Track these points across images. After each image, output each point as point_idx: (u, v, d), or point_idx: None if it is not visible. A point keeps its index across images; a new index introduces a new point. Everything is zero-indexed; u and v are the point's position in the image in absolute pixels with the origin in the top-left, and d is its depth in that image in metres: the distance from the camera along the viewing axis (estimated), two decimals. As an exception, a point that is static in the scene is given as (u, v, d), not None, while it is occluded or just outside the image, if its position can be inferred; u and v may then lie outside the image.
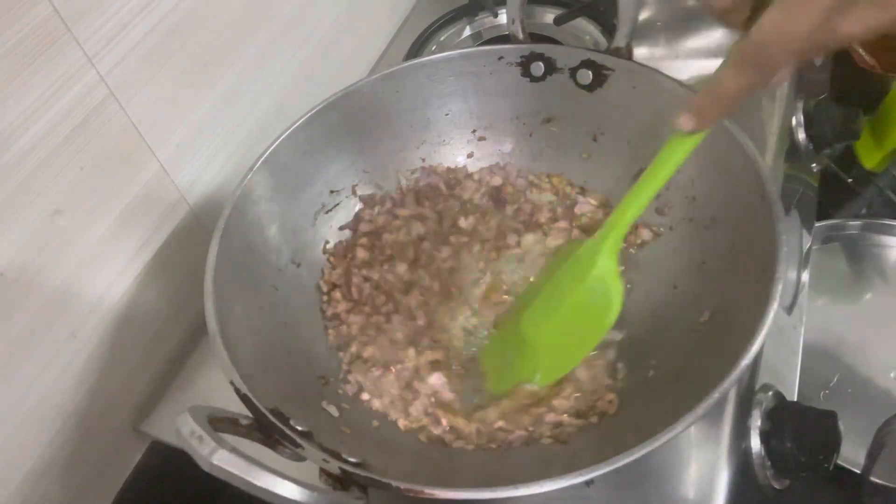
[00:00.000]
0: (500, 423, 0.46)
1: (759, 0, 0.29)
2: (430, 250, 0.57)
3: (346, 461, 0.37)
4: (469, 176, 0.62)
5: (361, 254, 0.57)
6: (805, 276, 0.69)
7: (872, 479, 0.64)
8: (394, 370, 0.50)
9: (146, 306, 0.55)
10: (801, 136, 0.67)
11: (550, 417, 0.45)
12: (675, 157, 0.38)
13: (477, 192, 0.60)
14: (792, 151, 0.64)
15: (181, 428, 0.34)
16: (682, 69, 0.66)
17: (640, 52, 0.72)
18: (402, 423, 0.48)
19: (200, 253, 0.46)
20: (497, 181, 0.61)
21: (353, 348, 0.52)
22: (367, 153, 0.60)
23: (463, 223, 0.58)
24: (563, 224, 0.57)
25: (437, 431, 0.47)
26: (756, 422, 0.48)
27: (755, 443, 0.47)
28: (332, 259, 0.57)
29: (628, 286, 0.52)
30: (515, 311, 0.51)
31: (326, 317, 0.54)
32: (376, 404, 0.49)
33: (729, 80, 0.32)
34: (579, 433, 0.45)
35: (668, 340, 0.48)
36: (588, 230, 0.56)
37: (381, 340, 0.52)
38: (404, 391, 0.49)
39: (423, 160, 0.62)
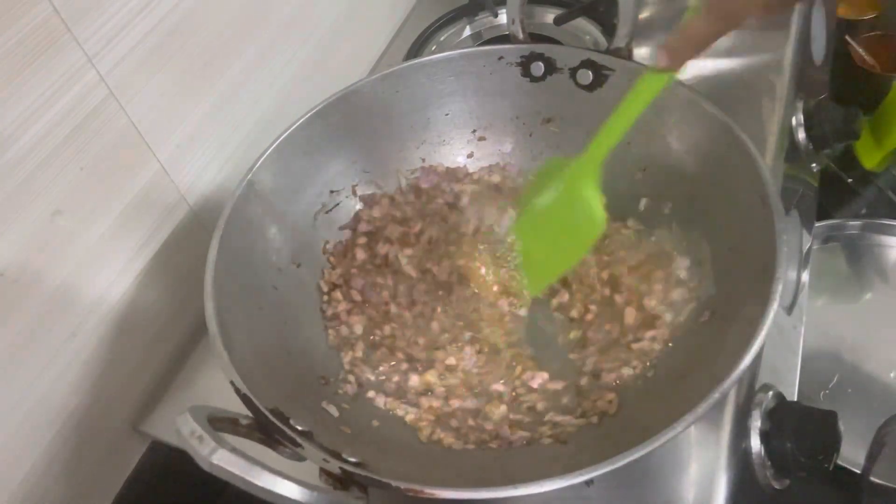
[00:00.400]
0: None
1: None
2: (430, 250, 0.57)
3: (346, 461, 0.37)
4: (469, 175, 0.62)
5: (360, 254, 0.57)
6: (805, 276, 0.69)
7: (872, 479, 0.64)
8: (403, 365, 0.50)
9: (146, 306, 0.55)
10: (801, 136, 0.67)
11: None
12: (647, 92, 0.41)
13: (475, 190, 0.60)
14: (792, 151, 0.64)
15: (181, 428, 0.34)
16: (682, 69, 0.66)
17: (640, 52, 0.72)
18: (409, 418, 0.48)
19: (200, 253, 0.46)
20: (496, 178, 0.61)
21: (357, 350, 0.52)
22: (367, 153, 0.60)
23: (463, 225, 0.58)
24: None
25: (443, 436, 0.47)
26: (756, 422, 0.48)
27: (755, 443, 0.47)
28: (332, 259, 0.57)
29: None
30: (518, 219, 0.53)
31: (326, 317, 0.54)
32: (381, 401, 0.49)
33: (699, 25, 0.36)
34: (579, 433, 0.45)
35: (667, 340, 0.48)
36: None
37: (386, 337, 0.52)
38: (411, 383, 0.50)
39: (423, 160, 0.62)
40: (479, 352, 0.51)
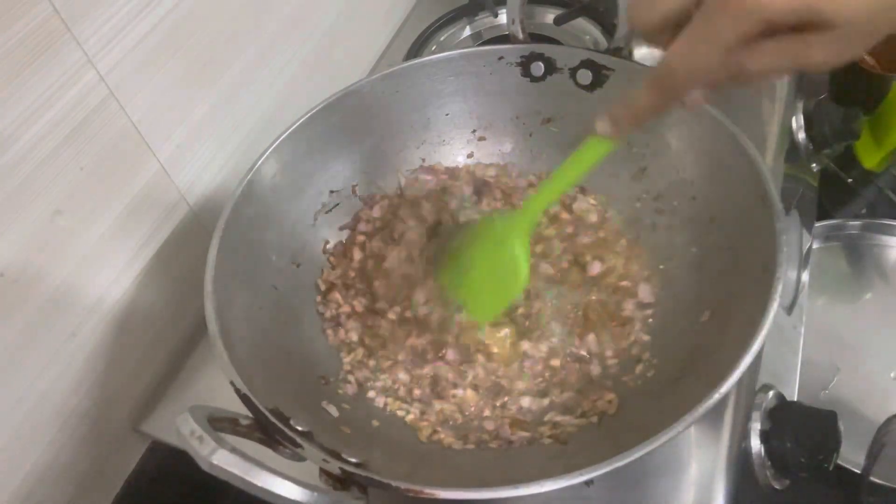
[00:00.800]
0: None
1: (682, 23, 0.31)
2: (429, 250, 0.57)
3: (346, 461, 0.37)
4: (468, 170, 0.62)
5: (359, 254, 0.57)
6: (805, 276, 0.69)
7: (872, 479, 0.64)
8: (400, 367, 0.50)
9: (146, 306, 0.55)
10: (801, 136, 0.67)
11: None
12: (589, 157, 0.42)
13: (467, 185, 0.61)
14: (792, 151, 0.64)
15: (181, 428, 0.34)
16: (682, 69, 0.66)
17: (640, 52, 0.72)
18: (410, 418, 0.48)
19: (200, 253, 0.46)
20: (490, 172, 0.61)
21: (358, 352, 0.52)
22: (367, 153, 0.60)
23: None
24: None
25: (443, 436, 0.47)
26: (756, 422, 0.48)
27: (755, 443, 0.47)
28: (331, 259, 0.57)
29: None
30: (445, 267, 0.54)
31: (325, 318, 0.54)
32: (381, 401, 0.49)
33: (642, 98, 0.35)
34: (579, 433, 0.45)
35: (668, 340, 0.48)
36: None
37: (385, 339, 0.52)
38: (413, 385, 0.50)
39: (423, 160, 0.62)
40: (478, 352, 0.51)
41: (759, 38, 0.29)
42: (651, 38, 0.35)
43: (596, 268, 0.53)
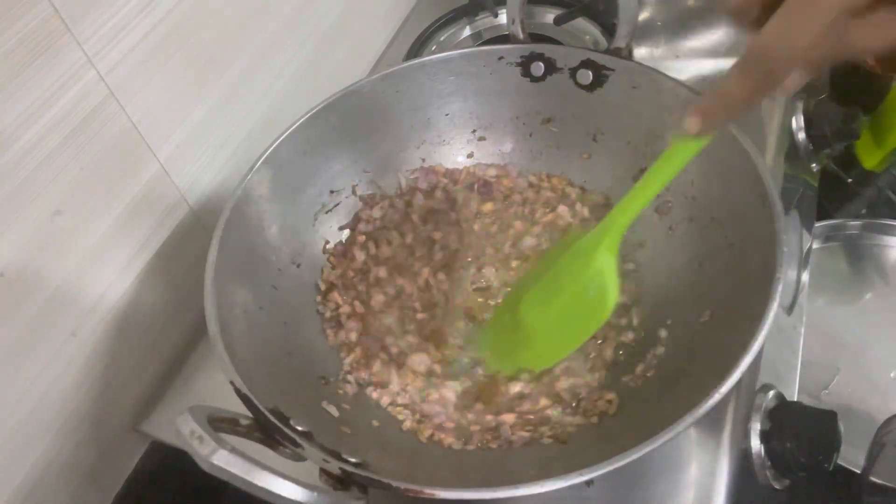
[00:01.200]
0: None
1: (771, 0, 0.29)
2: (429, 252, 0.57)
3: (346, 461, 0.37)
4: (468, 170, 0.62)
5: (359, 255, 0.57)
6: (805, 276, 0.69)
7: (872, 479, 0.64)
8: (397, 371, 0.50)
9: (146, 306, 0.55)
10: (801, 136, 0.67)
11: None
12: (677, 159, 0.39)
13: (470, 184, 0.61)
14: (792, 151, 0.64)
15: (181, 428, 0.34)
16: (682, 69, 0.66)
17: (640, 52, 0.72)
18: (407, 425, 0.48)
19: (200, 253, 0.46)
20: (490, 172, 0.61)
21: (358, 353, 0.52)
22: (367, 153, 0.60)
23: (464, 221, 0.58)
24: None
25: (443, 436, 0.47)
26: (756, 422, 0.48)
27: (755, 443, 0.47)
28: (331, 259, 0.57)
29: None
30: (514, 296, 0.51)
31: (325, 318, 0.54)
32: (385, 400, 0.49)
33: (735, 85, 0.32)
34: (579, 433, 0.45)
35: (667, 340, 0.48)
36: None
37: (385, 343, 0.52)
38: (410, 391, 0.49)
39: (423, 160, 0.62)
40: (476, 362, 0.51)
41: (868, 9, 0.27)
42: (738, 18, 0.32)
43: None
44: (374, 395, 0.50)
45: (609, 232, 0.43)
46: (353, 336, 0.52)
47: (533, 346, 0.48)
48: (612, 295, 0.42)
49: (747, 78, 0.31)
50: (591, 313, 0.44)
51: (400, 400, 0.49)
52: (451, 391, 0.49)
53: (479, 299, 0.55)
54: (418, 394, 0.49)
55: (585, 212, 0.58)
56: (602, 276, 0.42)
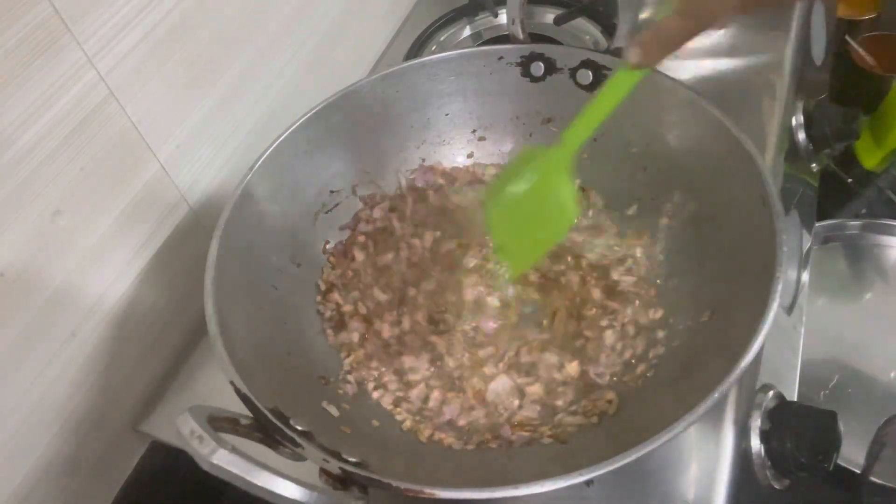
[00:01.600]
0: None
1: None
2: (429, 251, 0.57)
3: (346, 461, 0.37)
4: (468, 170, 0.62)
5: (359, 255, 0.57)
6: (805, 276, 0.69)
7: (872, 479, 0.64)
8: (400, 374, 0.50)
9: (146, 306, 0.55)
10: (801, 136, 0.67)
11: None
12: (620, 87, 0.41)
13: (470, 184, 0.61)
14: (792, 151, 0.64)
15: (181, 428, 0.34)
16: (682, 69, 0.66)
17: (640, 52, 0.72)
18: (407, 425, 0.48)
19: (200, 253, 0.46)
20: (490, 172, 0.61)
21: (359, 353, 0.52)
22: (367, 153, 0.60)
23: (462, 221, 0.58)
24: None
25: (443, 436, 0.47)
26: (756, 422, 0.48)
27: (755, 443, 0.47)
28: (332, 259, 0.57)
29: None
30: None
31: (324, 318, 0.54)
32: (387, 400, 0.49)
33: (672, 24, 0.35)
34: (579, 433, 0.45)
35: (668, 340, 0.48)
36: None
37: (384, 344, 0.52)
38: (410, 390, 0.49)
39: (423, 160, 0.62)
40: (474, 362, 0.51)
41: None
42: None
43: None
44: (375, 395, 0.50)
45: (562, 153, 0.45)
46: (356, 337, 0.52)
47: (502, 254, 0.51)
48: (571, 209, 0.46)
49: (684, 18, 0.35)
50: (553, 225, 0.47)
51: (400, 399, 0.49)
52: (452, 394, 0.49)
53: (480, 288, 0.55)
54: (419, 393, 0.49)
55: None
56: (559, 194, 0.45)
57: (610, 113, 0.42)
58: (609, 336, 0.50)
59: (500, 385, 0.49)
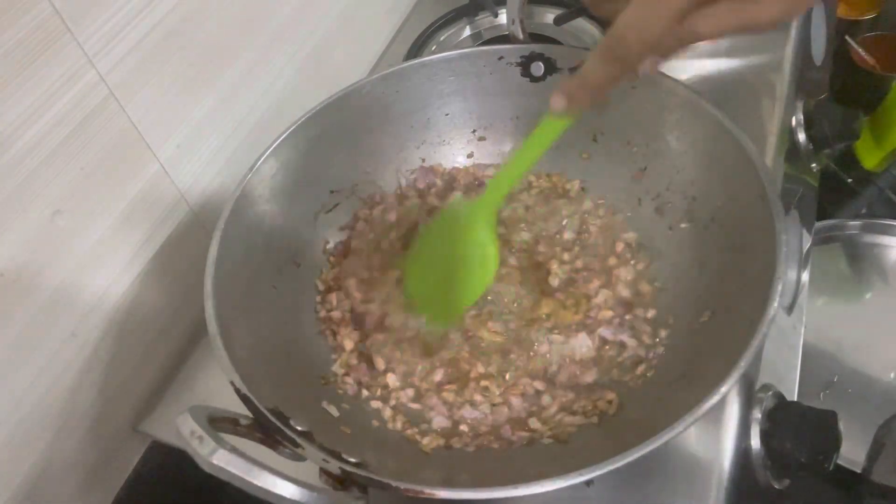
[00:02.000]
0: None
1: None
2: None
3: (346, 461, 0.37)
4: (468, 170, 0.62)
5: (357, 257, 0.57)
6: (805, 276, 0.69)
7: (872, 479, 0.64)
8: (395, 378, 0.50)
9: (146, 306, 0.55)
10: (801, 136, 0.67)
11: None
12: (546, 136, 0.41)
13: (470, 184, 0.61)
14: (792, 151, 0.64)
15: (181, 428, 0.34)
16: (682, 69, 0.66)
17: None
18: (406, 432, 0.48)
19: (200, 253, 0.46)
20: (490, 173, 0.61)
21: (352, 357, 0.51)
22: (367, 153, 0.60)
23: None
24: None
25: (442, 437, 0.47)
26: (756, 422, 0.48)
27: (755, 443, 0.47)
28: (331, 259, 0.57)
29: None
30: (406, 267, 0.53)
31: (320, 318, 0.54)
32: (377, 404, 0.49)
33: (595, 70, 0.35)
34: (579, 433, 0.45)
35: (668, 340, 0.48)
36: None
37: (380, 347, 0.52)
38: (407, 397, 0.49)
39: (423, 160, 0.62)
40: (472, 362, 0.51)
41: (708, 2, 0.30)
42: (597, 9, 0.35)
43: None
44: (374, 404, 0.49)
45: (485, 206, 0.46)
46: (349, 344, 0.52)
47: (426, 308, 0.51)
48: (492, 261, 0.47)
49: (605, 63, 0.34)
50: (474, 278, 0.47)
51: (394, 402, 0.49)
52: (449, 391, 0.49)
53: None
54: (412, 397, 0.49)
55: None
56: (482, 246, 0.46)
57: (536, 161, 0.42)
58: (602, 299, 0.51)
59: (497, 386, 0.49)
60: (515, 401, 0.48)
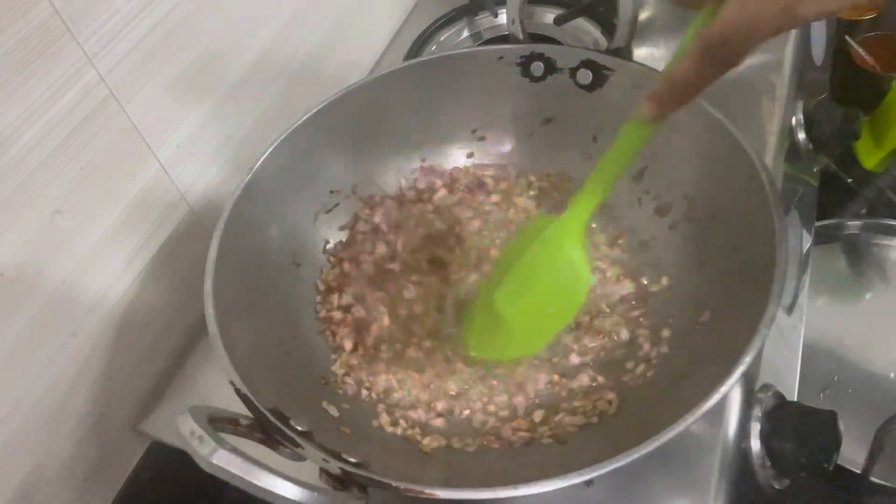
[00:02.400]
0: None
1: None
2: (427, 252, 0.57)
3: (346, 461, 0.37)
4: (467, 170, 0.62)
5: (356, 259, 0.57)
6: (805, 276, 0.69)
7: (872, 479, 0.64)
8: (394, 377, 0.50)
9: (146, 306, 0.55)
10: (801, 136, 0.67)
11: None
12: (634, 143, 0.38)
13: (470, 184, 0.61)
14: (792, 151, 0.64)
15: (181, 428, 0.34)
16: (682, 69, 0.66)
17: (640, 52, 0.72)
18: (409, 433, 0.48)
19: (200, 253, 0.46)
20: (490, 173, 0.61)
21: (352, 359, 0.51)
22: (367, 153, 0.60)
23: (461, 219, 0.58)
24: None
25: (442, 438, 0.47)
26: (756, 422, 0.48)
27: (755, 443, 0.47)
28: (331, 259, 0.57)
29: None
30: (487, 287, 0.50)
31: (319, 318, 0.54)
32: (385, 414, 0.49)
33: (689, 73, 0.32)
34: (579, 433, 0.45)
35: (668, 340, 0.48)
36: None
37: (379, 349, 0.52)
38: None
39: (423, 160, 0.62)
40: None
41: None
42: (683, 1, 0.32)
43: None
44: (375, 404, 0.49)
45: (573, 221, 0.43)
46: (349, 345, 0.52)
47: (513, 336, 0.47)
48: (585, 281, 0.43)
49: (703, 66, 0.31)
50: (566, 300, 0.44)
51: (396, 405, 0.49)
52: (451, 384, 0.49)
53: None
54: (412, 399, 0.49)
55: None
56: (573, 265, 0.43)
57: (622, 170, 0.40)
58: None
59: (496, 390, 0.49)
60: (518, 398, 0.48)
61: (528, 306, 0.45)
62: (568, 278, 0.43)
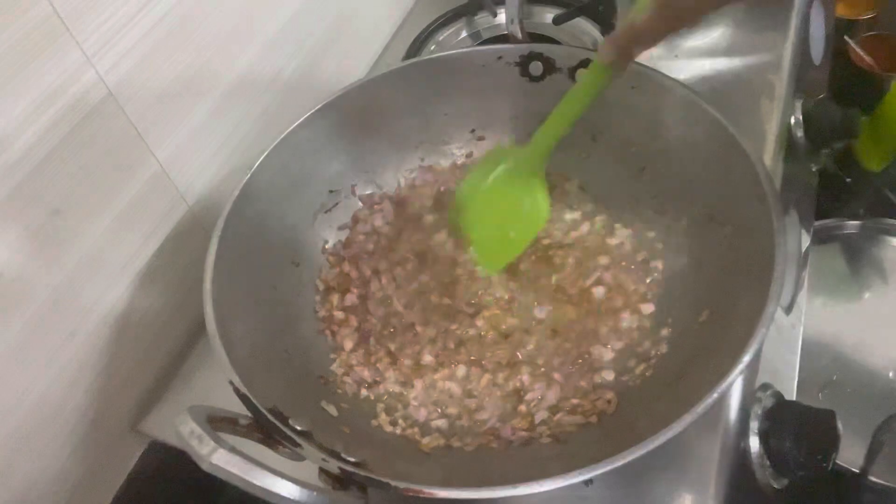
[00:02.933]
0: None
1: None
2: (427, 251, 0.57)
3: (345, 461, 0.37)
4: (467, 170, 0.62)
5: (349, 262, 0.57)
6: (804, 276, 0.69)
7: (871, 478, 0.64)
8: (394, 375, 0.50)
9: (145, 306, 0.55)
10: (800, 135, 0.67)
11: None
12: (592, 86, 0.41)
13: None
14: (791, 151, 0.64)
15: (180, 428, 0.34)
16: (682, 69, 0.66)
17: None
18: (408, 433, 0.48)
19: (200, 253, 0.46)
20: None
21: (352, 358, 0.51)
22: (367, 153, 0.60)
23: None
24: None
25: (441, 438, 0.47)
26: (755, 421, 0.48)
27: (754, 442, 0.47)
28: (331, 259, 0.57)
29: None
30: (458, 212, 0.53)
31: (319, 317, 0.54)
32: (380, 409, 0.49)
33: (650, 22, 0.35)
34: (579, 433, 0.45)
35: (667, 339, 0.48)
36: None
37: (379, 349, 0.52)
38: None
39: (423, 160, 0.62)
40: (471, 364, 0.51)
41: None
42: None
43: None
44: (374, 404, 0.49)
45: (534, 155, 0.47)
46: (349, 344, 0.52)
47: (479, 249, 0.51)
48: (543, 209, 0.48)
49: (663, 17, 0.34)
50: (526, 225, 0.49)
51: (396, 405, 0.49)
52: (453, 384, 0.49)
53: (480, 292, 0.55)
54: (411, 399, 0.49)
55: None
56: (534, 194, 0.47)
57: (582, 112, 0.42)
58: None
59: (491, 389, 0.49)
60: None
61: (490, 224, 0.50)
62: (527, 204, 0.48)
